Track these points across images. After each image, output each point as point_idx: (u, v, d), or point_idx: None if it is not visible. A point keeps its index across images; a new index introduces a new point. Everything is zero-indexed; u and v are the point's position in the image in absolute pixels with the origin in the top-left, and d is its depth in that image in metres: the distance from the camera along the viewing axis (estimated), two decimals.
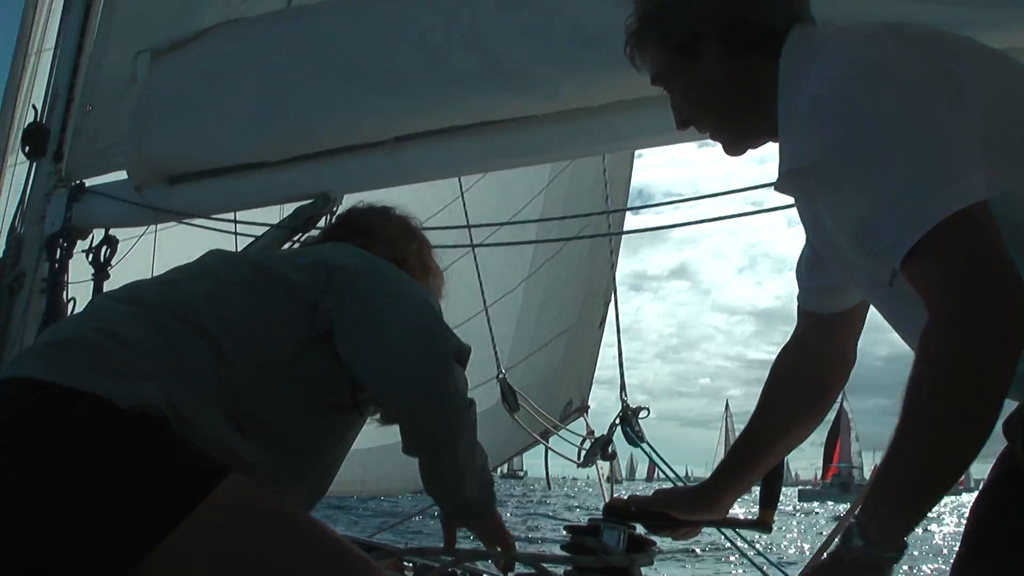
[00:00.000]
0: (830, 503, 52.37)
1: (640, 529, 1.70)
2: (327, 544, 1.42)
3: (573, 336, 4.61)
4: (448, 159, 2.55)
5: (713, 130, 1.44)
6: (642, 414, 3.39)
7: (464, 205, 3.37)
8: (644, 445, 3.33)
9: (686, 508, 1.69)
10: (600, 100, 2.31)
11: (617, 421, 3.39)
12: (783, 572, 3.47)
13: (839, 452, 73.65)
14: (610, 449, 3.45)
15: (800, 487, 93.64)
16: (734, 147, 1.43)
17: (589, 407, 4.42)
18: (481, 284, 3.59)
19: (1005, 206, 1.10)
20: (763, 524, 1.60)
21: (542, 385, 4.37)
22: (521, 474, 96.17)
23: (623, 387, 3.49)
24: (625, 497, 1.78)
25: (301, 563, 1.36)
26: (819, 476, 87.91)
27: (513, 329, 4.50)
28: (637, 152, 4.46)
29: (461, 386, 1.67)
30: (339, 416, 1.72)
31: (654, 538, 1.72)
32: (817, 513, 41.65)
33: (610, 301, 4.25)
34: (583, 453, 3.50)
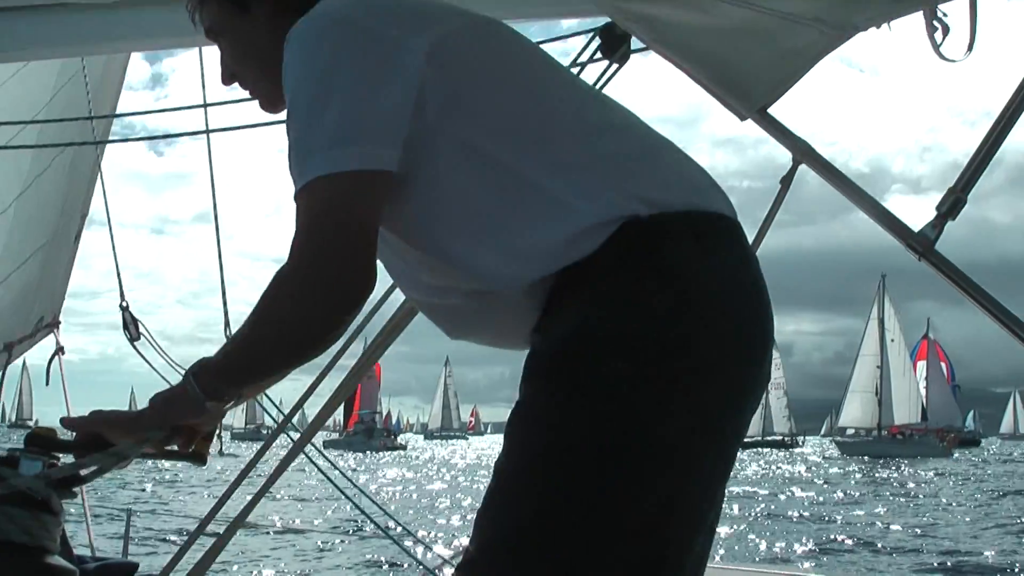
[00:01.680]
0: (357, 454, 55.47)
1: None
2: None
3: (50, 251, 4.50)
4: None
5: (253, 87, 1.44)
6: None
7: None
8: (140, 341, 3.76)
9: (122, 431, 1.45)
10: None
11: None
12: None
13: (360, 399, 75.56)
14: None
15: (324, 436, 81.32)
16: (271, 106, 1.45)
17: (60, 322, 4.46)
18: None
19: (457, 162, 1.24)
20: (199, 456, 1.51)
21: (15, 305, 4.38)
22: None
23: (121, 294, 3.86)
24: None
25: None
26: (340, 424, 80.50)
27: (1, 249, 4.43)
28: None
29: None
30: None
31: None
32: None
33: (87, 215, 4.37)
34: None
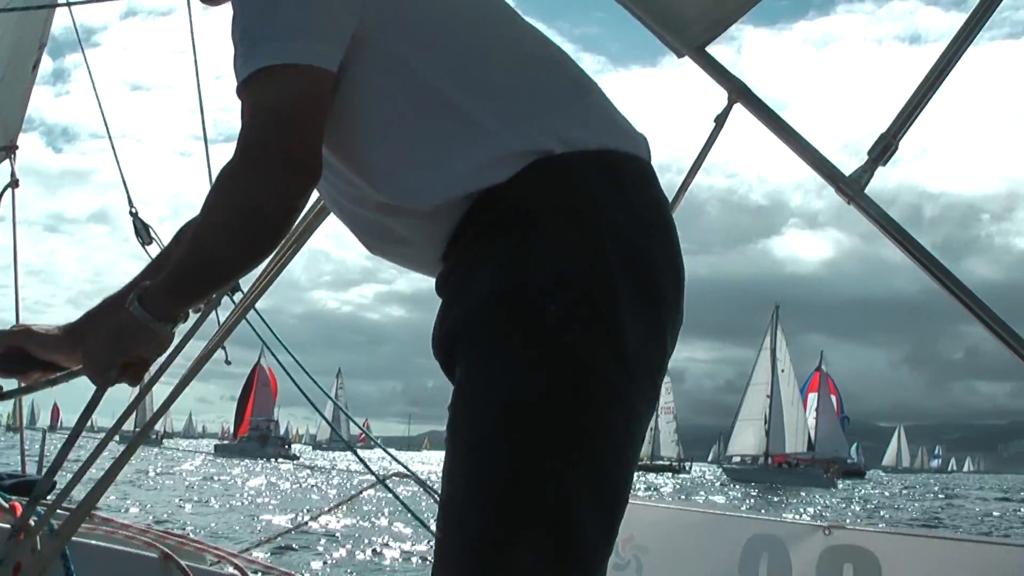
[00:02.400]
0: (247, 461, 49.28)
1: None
2: None
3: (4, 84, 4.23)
4: None
5: None
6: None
7: None
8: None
9: (48, 348, 1.49)
10: None
11: None
12: None
13: (254, 406, 73.70)
14: None
15: (216, 442, 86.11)
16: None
17: (17, 147, 4.25)
18: None
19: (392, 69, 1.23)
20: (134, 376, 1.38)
21: None
22: None
23: (130, 201, 3.64)
24: None
25: None
26: (229, 430, 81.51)
27: None
28: None
29: None
30: None
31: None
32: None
33: (45, 45, 4.18)
34: None
